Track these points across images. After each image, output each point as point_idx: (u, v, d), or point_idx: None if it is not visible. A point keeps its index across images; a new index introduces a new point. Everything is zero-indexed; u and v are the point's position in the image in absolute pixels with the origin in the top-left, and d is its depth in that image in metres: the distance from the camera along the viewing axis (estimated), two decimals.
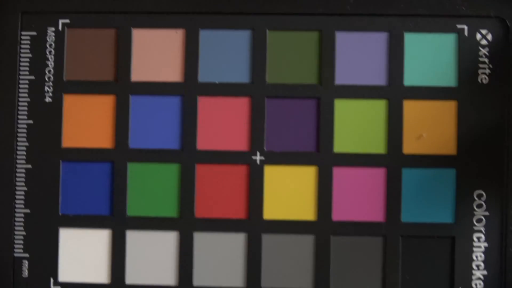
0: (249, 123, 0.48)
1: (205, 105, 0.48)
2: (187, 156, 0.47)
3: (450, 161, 0.47)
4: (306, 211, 0.47)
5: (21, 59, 0.48)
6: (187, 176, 0.47)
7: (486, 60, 0.47)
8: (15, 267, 0.47)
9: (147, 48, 0.48)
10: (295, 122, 0.47)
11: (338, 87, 0.47)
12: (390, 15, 0.47)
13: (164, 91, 0.48)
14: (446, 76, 0.47)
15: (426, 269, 0.47)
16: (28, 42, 0.48)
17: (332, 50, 0.47)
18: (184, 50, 0.48)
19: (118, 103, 0.48)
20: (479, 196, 0.46)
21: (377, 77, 0.47)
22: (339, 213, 0.47)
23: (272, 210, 0.47)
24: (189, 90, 0.48)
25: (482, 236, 0.46)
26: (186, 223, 0.47)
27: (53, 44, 0.48)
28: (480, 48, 0.47)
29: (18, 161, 0.47)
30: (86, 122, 0.48)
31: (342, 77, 0.47)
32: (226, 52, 0.48)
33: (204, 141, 0.48)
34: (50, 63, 0.48)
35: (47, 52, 0.48)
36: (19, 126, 0.48)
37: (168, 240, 0.48)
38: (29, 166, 0.47)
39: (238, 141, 0.47)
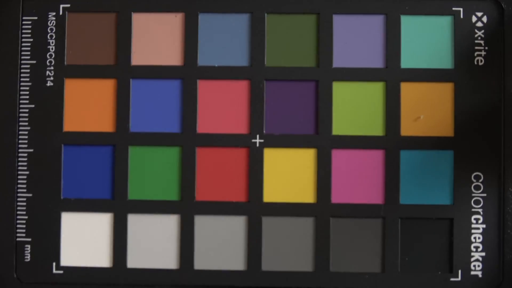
0: (248, 106, 0.48)
1: (205, 88, 0.48)
2: (187, 139, 0.48)
3: (448, 143, 0.47)
4: (305, 193, 0.48)
5: (23, 44, 0.48)
6: (187, 159, 0.48)
7: (482, 42, 0.47)
8: (18, 252, 0.48)
9: (147, 32, 0.48)
10: (294, 105, 0.48)
11: (336, 70, 0.48)
12: None
13: (164, 74, 0.48)
14: (443, 58, 0.47)
15: (425, 251, 0.47)
16: (30, 27, 0.48)
17: (329, 33, 0.48)
18: (184, 33, 0.48)
19: (118, 87, 0.48)
20: (477, 177, 0.47)
21: (375, 59, 0.48)
22: (338, 196, 0.47)
23: (272, 193, 0.48)
24: (188, 73, 0.48)
25: (480, 217, 0.47)
26: (186, 206, 0.48)
27: (54, 28, 0.48)
28: (476, 31, 0.47)
29: (20, 145, 0.48)
30: (87, 106, 0.48)
31: (339, 60, 0.48)
32: (225, 35, 0.48)
33: (204, 125, 0.48)
34: (51, 48, 0.48)
35: (48, 37, 0.48)
36: (21, 110, 0.48)
37: (169, 223, 0.48)
38: (31, 150, 0.48)
39: (238, 124, 0.48)
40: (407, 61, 0.47)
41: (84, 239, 0.48)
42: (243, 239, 0.48)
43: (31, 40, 0.48)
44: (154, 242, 0.48)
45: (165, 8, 0.48)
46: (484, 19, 0.47)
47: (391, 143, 0.47)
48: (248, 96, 0.48)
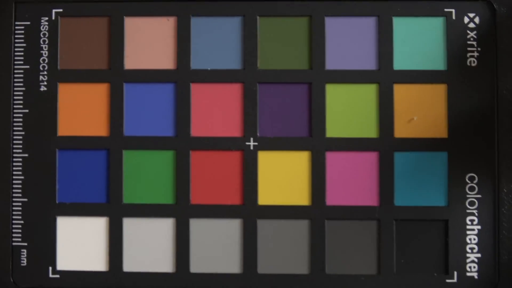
0: (241, 109, 0.48)
1: (198, 92, 0.48)
2: (181, 143, 0.48)
3: (442, 144, 0.47)
4: (300, 196, 0.48)
5: (16, 49, 0.48)
6: (182, 162, 0.48)
7: (474, 43, 0.47)
8: (14, 256, 0.48)
9: (139, 36, 0.49)
10: (287, 108, 0.48)
11: (329, 72, 0.48)
12: (379, 0, 0.48)
13: (157, 78, 0.48)
14: (435, 60, 0.47)
15: (420, 253, 0.47)
16: (22, 31, 0.48)
17: (322, 36, 0.48)
18: (176, 37, 0.48)
19: (112, 91, 0.48)
20: (471, 178, 0.47)
21: (367, 61, 0.48)
22: (333, 198, 0.47)
23: (266, 196, 0.48)
24: (181, 77, 0.48)
25: (475, 219, 0.47)
26: (182, 210, 0.48)
27: (47, 33, 0.48)
28: (468, 32, 0.47)
29: (14, 150, 0.48)
30: (81, 111, 0.48)
31: (332, 62, 0.48)
32: (218, 39, 0.48)
33: (198, 128, 0.48)
34: (44, 53, 0.48)
35: (41, 42, 0.48)
36: (15, 115, 0.48)
37: (164, 227, 0.48)
38: (26, 155, 0.48)
39: (232, 127, 0.48)
40: (400, 62, 0.48)
41: (79, 243, 0.48)
42: (239, 242, 0.48)
43: (24, 45, 0.48)
44: (149, 245, 0.48)
45: (158, 12, 0.48)
46: (477, 20, 0.47)
47: (385, 145, 0.47)
48: (241, 99, 0.48)
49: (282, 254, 0.48)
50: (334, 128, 0.48)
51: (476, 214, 0.47)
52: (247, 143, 0.48)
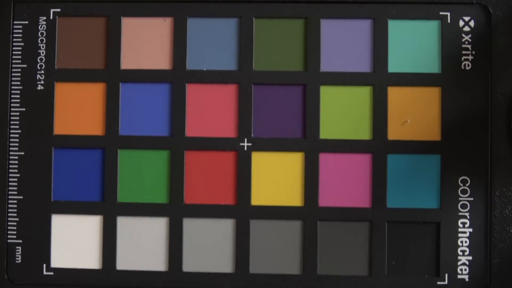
0: (236, 110, 0.48)
1: (194, 92, 0.48)
2: (176, 142, 0.48)
3: (435, 147, 0.47)
4: (293, 197, 0.48)
5: (14, 48, 0.48)
6: (176, 162, 0.48)
7: (469, 46, 0.47)
8: (9, 253, 0.48)
9: (136, 36, 0.49)
10: (281, 109, 0.48)
11: (324, 74, 0.48)
12: (374, 2, 0.48)
13: (153, 78, 0.48)
14: (430, 63, 0.48)
15: (412, 255, 0.47)
16: (20, 31, 0.49)
17: (317, 38, 0.48)
18: (173, 38, 0.49)
19: (108, 91, 0.48)
20: (464, 181, 0.47)
21: (362, 64, 0.48)
22: (325, 199, 0.48)
23: (260, 196, 0.48)
24: (177, 77, 0.48)
25: (467, 221, 0.47)
26: (175, 209, 0.48)
27: (44, 33, 0.49)
28: (463, 35, 0.47)
29: (11, 148, 0.48)
30: (77, 110, 0.49)
31: (327, 64, 0.48)
32: (214, 40, 0.49)
33: (193, 128, 0.48)
34: (42, 52, 0.49)
35: (39, 41, 0.49)
36: (12, 113, 0.48)
37: (158, 226, 0.48)
38: (22, 153, 0.48)
39: (226, 128, 0.48)
40: (394, 65, 0.48)
41: (74, 241, 0.48)
42: (231, 242, 0.48)
43: (22, 44, 0.49)
44: (143, 244, 0.48)
45: (154, 12, 0.49)
46: (472, 23, 0.47)
47: (379, 147, 0.47)
48: (236, 100, 0.48)
49: (275, 254, 0.48)
50: (328, 130, 0.48)
51: (468, 217, 0.47)
52: (241, 144, 0.48)
